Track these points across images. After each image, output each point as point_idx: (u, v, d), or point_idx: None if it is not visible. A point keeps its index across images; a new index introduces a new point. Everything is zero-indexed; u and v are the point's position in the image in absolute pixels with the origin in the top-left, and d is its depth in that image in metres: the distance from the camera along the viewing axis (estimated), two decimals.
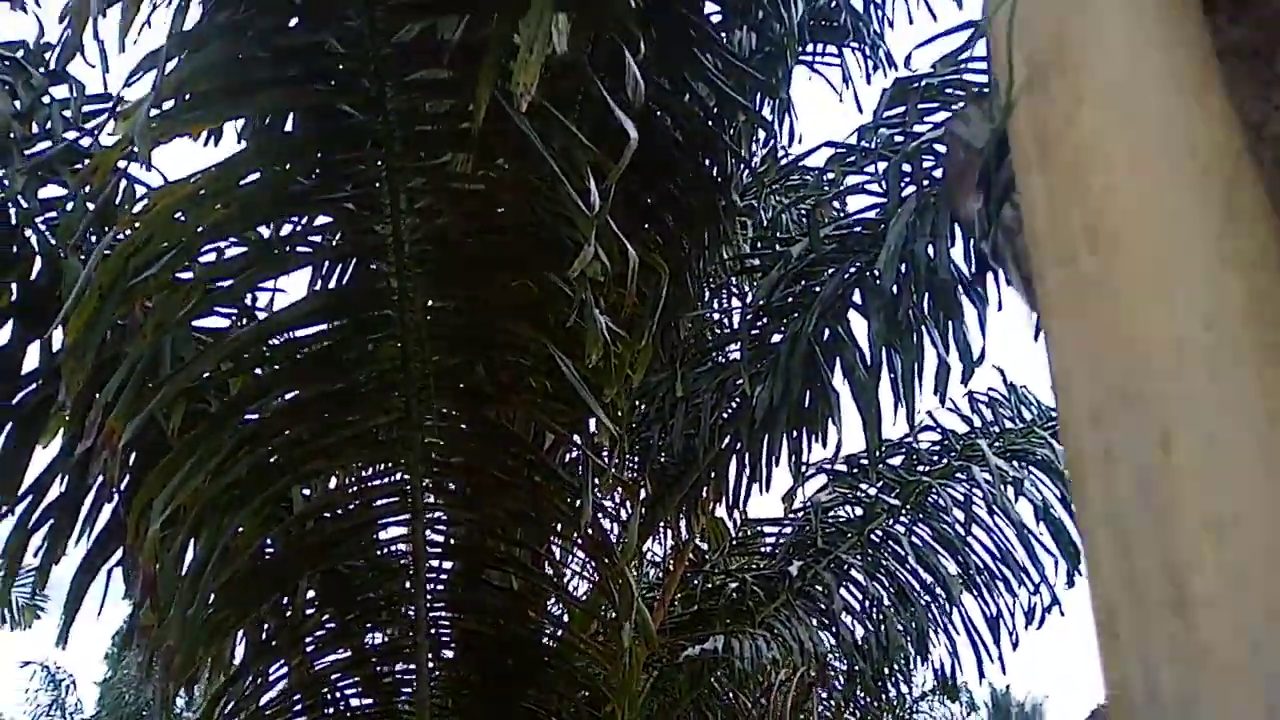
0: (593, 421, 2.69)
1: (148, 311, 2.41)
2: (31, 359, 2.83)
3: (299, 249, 2.53)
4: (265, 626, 3.01)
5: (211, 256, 2.58)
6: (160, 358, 2.57)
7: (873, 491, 4.77)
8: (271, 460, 2.52)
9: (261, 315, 2.65)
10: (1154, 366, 0.33)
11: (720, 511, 4.62)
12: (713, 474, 4.17)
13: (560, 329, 2.47)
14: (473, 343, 2.66)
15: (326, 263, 3.01)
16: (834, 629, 4.50)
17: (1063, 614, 4.59)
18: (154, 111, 1.95)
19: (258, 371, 2.70)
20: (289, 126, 2.81)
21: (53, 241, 2.88)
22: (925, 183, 3.32)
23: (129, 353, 2.21)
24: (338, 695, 3.08)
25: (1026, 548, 4.52)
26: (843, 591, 4.51)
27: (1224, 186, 0.35)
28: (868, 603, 4.56)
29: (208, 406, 2.77)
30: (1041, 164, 0.40)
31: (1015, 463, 4.59)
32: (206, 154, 2.95)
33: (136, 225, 2.08)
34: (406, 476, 2.67)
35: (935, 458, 4.83)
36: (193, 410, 2.70)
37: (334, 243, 2.62)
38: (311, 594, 2.96)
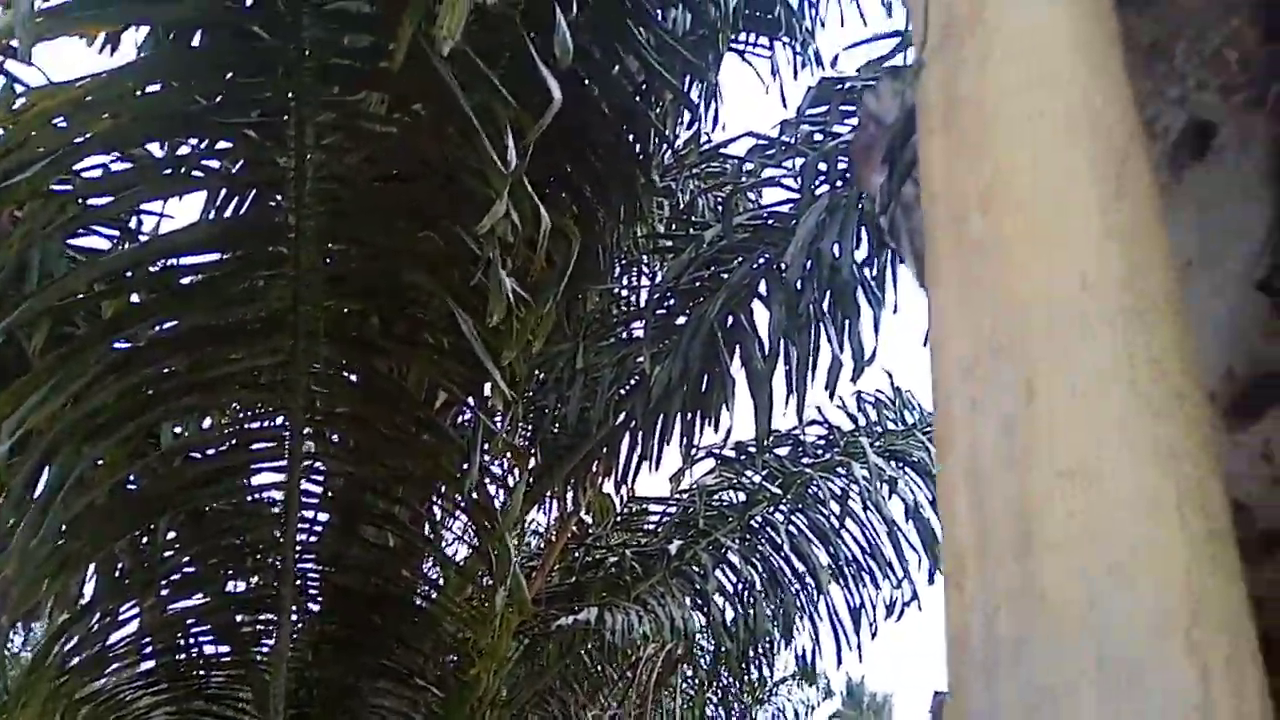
0: (488, 385, 2.65)
1: (16, 221, 2.24)
2: None
3: (192, 173, 2.39)
4: (119, 565, 2.86)
5: (97, 172, 2.42)
6: (28, 271, 2.40)
7: (757, 479, 4.88)
8: (141, 391, 2.39)
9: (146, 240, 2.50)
10: (1028, 322, 0.34)
11: (608, 487, 4.66)
12: (604, 449, 4.19)
13: (464, 286, 2.41)
14: (370, 290, 2.58)
15: (223, 192, 2.86)
16: (705, 609, 4.60)
17: (920, 609, 4.82)
18: (42, 4, 1.80)
19: (135, 298, 2.55)
20: (195, 42, 2.65)
21: None
22: (839, 183, 3.39)
23: None
24: (192, 641, 2.97)
25: (894, 544, 4.72)
26: (718, 573, 4.61)
27: (1117, 160, 0.36)
28: (740, 585, 4.68)
29: (76, 330, 2.60)
30: (945, 127, 0.40)
31: (893, 463, 4.78)
32: (100, 61, 2.75)
33: (12, 125, 1.92)
34: (286, 422, 2.58)
35: (819, 451, 4.98)
36: (59, 334, 2.53)
37: (231, 171, 2.49)
38: (172, 535, 2.84)
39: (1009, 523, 0.32)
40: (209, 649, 2.94)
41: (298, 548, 2.67)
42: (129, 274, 2.44)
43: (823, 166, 3.39)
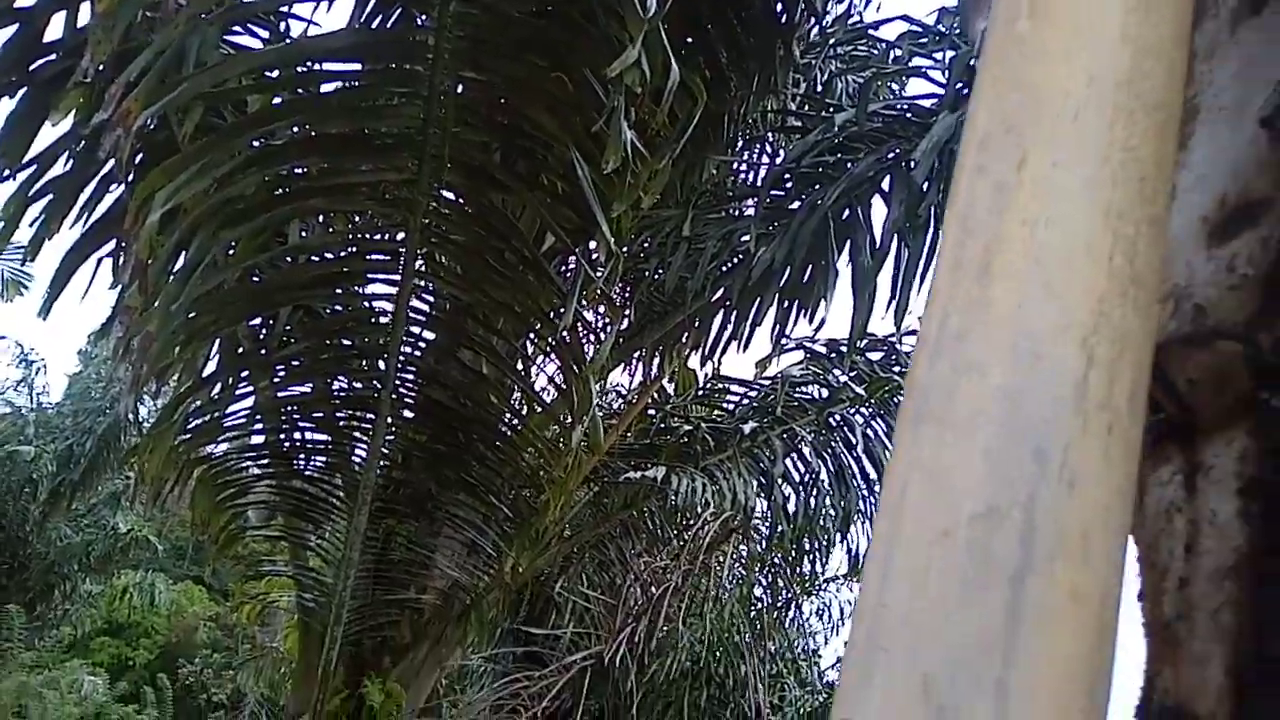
0: (594, 237, 2.71)
1: (180, 7, 2.36)
2: (55, 29, 2.78)
3: None
4: (240, 347, 3.12)
5: None
6: (186, 56, 2.53)
7: (843, 378, 4.87)
8: (275, 187, 2.54)
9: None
10: (1039, 108, 0.43)
11: (693, 361, 4.74)
12: (696, 322, 4.24)
13: (585, 134, 2.44)
14: (497, 124, 2.63)
15: (370, 5, 2.92)
16: (769, 492, 4.72)
17: None
18: None
19: (278, 99, 2.68)
20: None
21: None
22: None
23: (156, 40, 2.18)
24: (296, 426, 3.25)
25: None
26: (787, 460, 4.70)
27: None
28: (807, 476, 4.76)
29: (223, 121, 2.76)
30: None
31: None
32: None
33: None
34: (403, 238, 2.71)
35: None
36: (207, 123, 2.69)
37: None
38: (289, 327, 3.07)
39: (980, 256, 0.41)
40: (310, 435, 3.22)
41: (400, 358, 2.85)
42: (273, 72, 2.55)
43: (974, 63, 3.20)
